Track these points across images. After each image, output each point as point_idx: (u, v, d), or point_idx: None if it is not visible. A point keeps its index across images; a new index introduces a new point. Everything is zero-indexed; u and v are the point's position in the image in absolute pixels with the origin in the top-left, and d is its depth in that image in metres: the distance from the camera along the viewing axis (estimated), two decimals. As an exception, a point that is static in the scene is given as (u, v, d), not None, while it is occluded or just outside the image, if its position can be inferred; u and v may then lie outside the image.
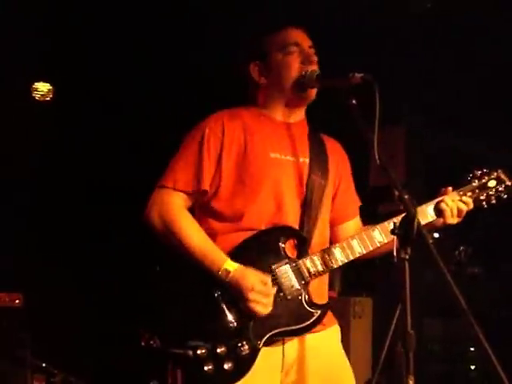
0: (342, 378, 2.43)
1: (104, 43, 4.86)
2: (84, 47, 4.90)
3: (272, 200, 2.37)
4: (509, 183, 2.56)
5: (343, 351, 2.49)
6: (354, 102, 2.23)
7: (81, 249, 5.31)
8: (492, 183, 2.55)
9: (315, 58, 2.45)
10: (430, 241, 2.04)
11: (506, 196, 2.55)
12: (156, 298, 2.30)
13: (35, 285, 4.73)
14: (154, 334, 2.23)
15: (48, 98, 5.40)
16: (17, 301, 4.48)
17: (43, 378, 4.41)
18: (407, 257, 1.95)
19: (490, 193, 2.54)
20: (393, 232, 2.00)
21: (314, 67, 2.43)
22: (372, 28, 4.49)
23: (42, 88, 5.40)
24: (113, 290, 5.11)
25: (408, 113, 5.26)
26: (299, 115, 2.53)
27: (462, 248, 4.91)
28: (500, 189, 2.55)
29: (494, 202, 2.55)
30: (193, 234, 2.32)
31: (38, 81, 5.39)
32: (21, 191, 5.19)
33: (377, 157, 2.10)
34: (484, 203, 2.55)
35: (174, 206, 2.35)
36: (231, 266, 2.25)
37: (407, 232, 1.96)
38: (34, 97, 5.38)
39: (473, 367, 5.10)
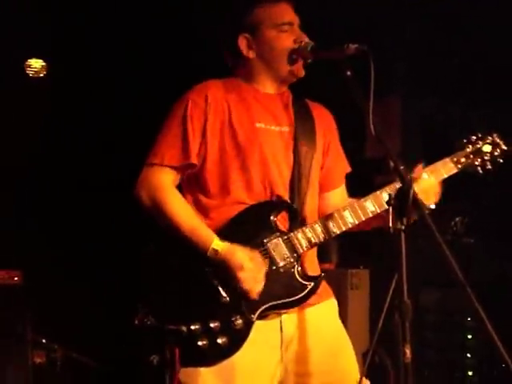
0: (342, 351, 2.45)
1: (98, 18, 4.82)
2: (78, 22, 4.86)
3: (260, 171, 2.35)
4: (504, 147, 2.53)
5: (341, 324, 2.50)
6: (349, 73, 2.22)
7: (81, 225, 5.32)
8: (487, 148, 2.51)
9: (306, 39, 2.41)
10: (426, 211, 2.05)
11: (502, 160, 2.53)
12: (148, 275, 2.31)
13: (35, 261, 4.74)
14: (148, 311, 2.24)
15: (42, 75, 5.36)
16: (16, 278, 4.49)
17: (43, 354, 4.43)
18: (403, 227, 1.96)
19: (486, 158, 2.51)
20: (388, 203, 2.00)
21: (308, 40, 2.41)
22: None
23: (36, 64, 5.35)
24: (113, 265, 5.12)
25: (403, 82, 5.23)
26: (284, 88, 2.51)
27: (458, 218, 4.91)
28: (496, 153, 2.52)
29: (489, 166, 2.52)
30: (181, 213, 2.31)
31: (32, 57, 5.36)
32: (17, 168, 5.18)
33: (372, 127, 2.10)
34: (479, 168, 2.52)
35: (162, 184, 2.33)
36: (218, 245, 2.25)
37: (403, 202, 1.97)
38: (27, 74, 5.35)
39: (470, 336, 5.13)
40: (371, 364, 2.42)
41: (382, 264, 4.78)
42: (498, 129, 2.62)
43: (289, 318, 2.36)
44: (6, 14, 4.72)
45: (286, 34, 2.41)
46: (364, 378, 2.38)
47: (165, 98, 2.52)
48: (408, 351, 1.88)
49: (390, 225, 1.96)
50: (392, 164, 2.07)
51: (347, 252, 5.18)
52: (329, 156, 2.54)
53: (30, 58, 5.35)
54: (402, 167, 2.06)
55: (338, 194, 2.57)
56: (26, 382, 4.25)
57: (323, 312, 2.43)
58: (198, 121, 2.35)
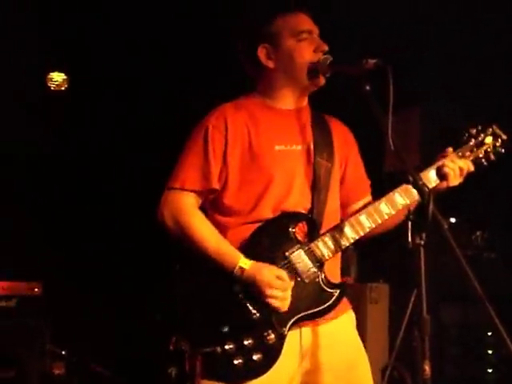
0: (358, 365, 2.44)
1: (120, 33, 4.86)
2: (100, 37, 4.90)
3: (281, 191, 2.37)
4: (504, 137, 2.55)
5: (358, 337, 2.49)
6: (368, 88, 2.22)
7: (101, 236, 5.34)
8: (488, 139, 2.53)
9: (326, 48, 2.42)
10: (446, 226, 2.04)
11: (503, 150, 2.54)
12: (177, 298, 2.30)
13: (54, 273, 4.77)
14: (181, 336, 2.23)
15: (63, 88, 5.42)
16: (36, 289, 4.53)
17: (62, 365, 4.45)
18: (422, 242, 1.95)
19: (488, 149, 2.53)
20: (407, 218, 1.99)
21: (327, 55, 2.41)
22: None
23: (57, 78, 5.41)
24: (132, 277, 5.14)
25: (423, 94, 5.22)
26: (304, 100, 2.52)
27: (478, 233, 4.88)
28: (497, 144, 2.54)
29: (492, 158, 2.54)
30: (205, 234, 2.33)
31: (53, 71, 5.41)
32: (36, 181, 5.23)
33: (391, 142, 2.10)
34: (483, 161, 2.53)
35: (185, 207, 2.35)
36: (245, 263, 2.27)
37: (422, 217, 1.96)
38: (49, 87, 5.40)
39: (490, 352, 5.09)
40: (390, 379, 2.40)
41: (401, 278, 4.75)
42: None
43: (307, 331, 2.36)
44: (29, 27, 4.78)
45: (305, 42, 2.42)
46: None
47: (185, 115, 2.53)
48: (427, 367, 1.86)
49: (409, 240, 1.96)
50: (411, 178, 2.06)
51: (366, 266, 5.16)
52: (348, 168, 2.55)
53: (52, 71, 5.40)
54: (420, 182, 2.05)
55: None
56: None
57: (340, 326, 2.42)
58: (219, 145, 2.37)
